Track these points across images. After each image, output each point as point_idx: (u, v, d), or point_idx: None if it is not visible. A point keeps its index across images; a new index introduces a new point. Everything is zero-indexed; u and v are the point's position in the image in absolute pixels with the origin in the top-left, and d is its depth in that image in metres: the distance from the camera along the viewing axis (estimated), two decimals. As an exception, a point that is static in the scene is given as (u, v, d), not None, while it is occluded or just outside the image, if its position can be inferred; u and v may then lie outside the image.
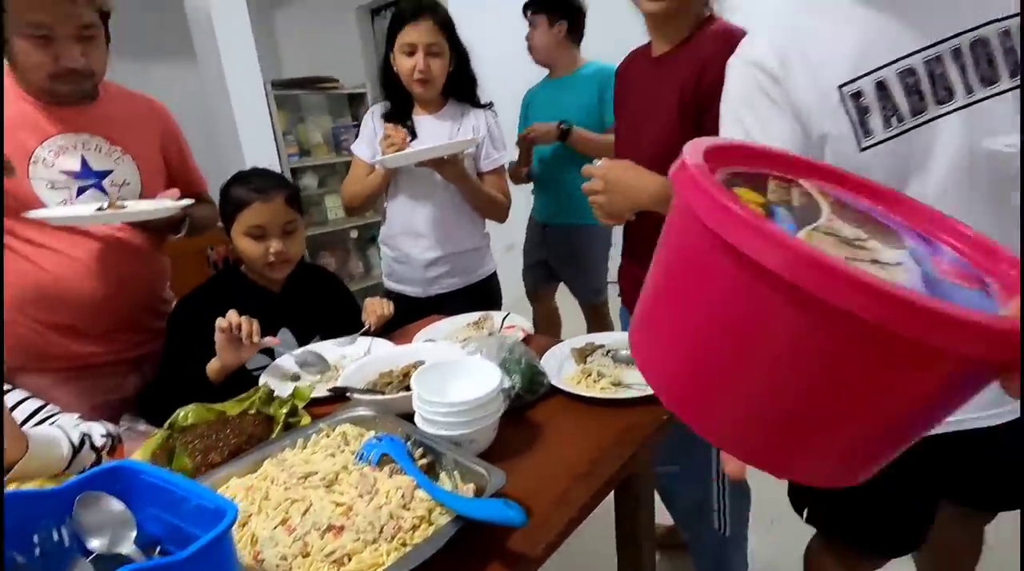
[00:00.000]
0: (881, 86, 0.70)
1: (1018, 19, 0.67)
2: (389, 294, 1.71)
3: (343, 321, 1.31)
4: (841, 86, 0.71)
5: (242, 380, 1.10)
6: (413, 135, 1.54)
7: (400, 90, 1.55)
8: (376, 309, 1.31)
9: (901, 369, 0.25)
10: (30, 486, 0.77)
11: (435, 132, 1.57)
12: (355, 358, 1.17)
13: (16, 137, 1.08)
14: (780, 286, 0.24)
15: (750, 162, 0.37)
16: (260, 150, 2.88)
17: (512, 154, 1.95)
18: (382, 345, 1.23)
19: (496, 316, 1.33)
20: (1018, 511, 0.87)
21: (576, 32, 2.09)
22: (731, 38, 0.92)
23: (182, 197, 1.20)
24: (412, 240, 1.62)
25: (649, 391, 0.91)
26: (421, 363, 1.05)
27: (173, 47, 3.79)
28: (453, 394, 0.81)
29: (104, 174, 1.17)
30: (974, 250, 0.34)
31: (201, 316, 1.12)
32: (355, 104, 3.51)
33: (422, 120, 1.58)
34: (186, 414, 0.89)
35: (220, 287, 1.30)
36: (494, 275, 1.75)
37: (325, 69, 3.57)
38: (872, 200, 0.38)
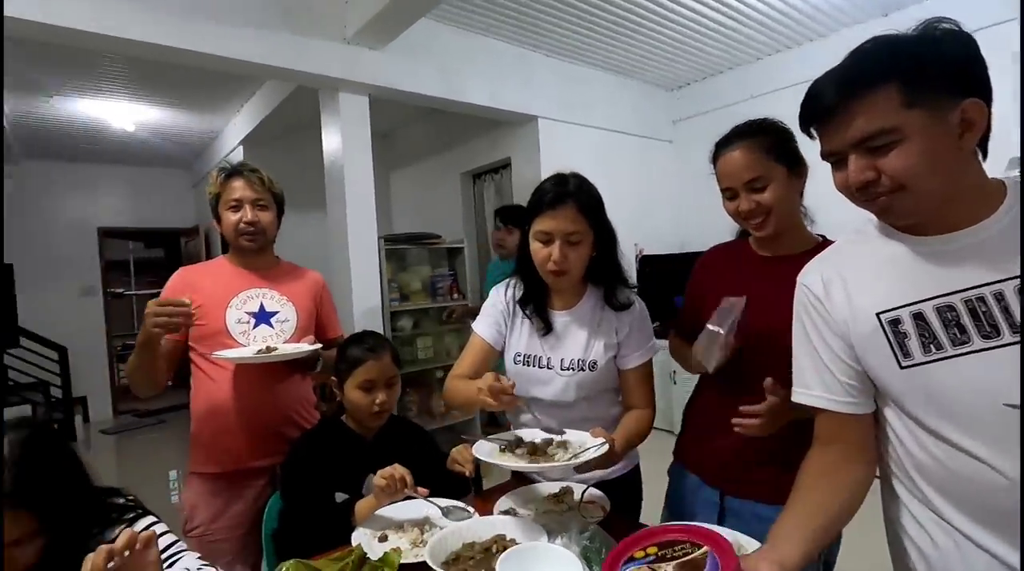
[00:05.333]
0: (919, 317, 0.76)
1: None
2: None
3: (428, 474, 1.36)
4: (879, 313, 0.79)
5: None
6: (549, 329, 1.40)
7: (536, 276, 1.36)
8: (468, 457, 1.36)
9: None
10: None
11: (571, 336, 1.39)
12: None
13: (218, 290, 1.60)
14: None
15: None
16: (368, 294, 3.22)
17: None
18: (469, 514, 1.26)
19: (577, 489, 1.34)
20: None
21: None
22: None
23: (328, 340, 1.72)
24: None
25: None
26: (502, 537, 1.09)
27: (306, 198, 4.52)
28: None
29: (273, 314, 1.66)
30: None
31: (310, 458, 1.40)
32: (452, 256, 3.90)
33: (557, 317, 1.41)
34: (287, 569, 0.97)
35: (324, 433, 1.49)
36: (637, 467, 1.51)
37: (429, 224, 4.05)
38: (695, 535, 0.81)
